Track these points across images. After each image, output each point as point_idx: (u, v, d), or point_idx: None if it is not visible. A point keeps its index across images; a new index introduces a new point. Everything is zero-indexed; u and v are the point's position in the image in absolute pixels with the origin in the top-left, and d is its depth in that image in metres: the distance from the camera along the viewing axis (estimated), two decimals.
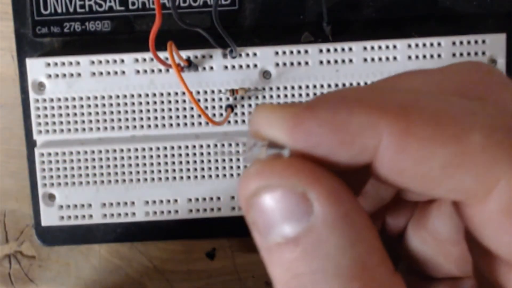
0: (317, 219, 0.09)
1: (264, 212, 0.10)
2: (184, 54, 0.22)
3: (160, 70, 0.22)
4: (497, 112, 0.10)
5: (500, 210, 0.10)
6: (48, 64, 0.22)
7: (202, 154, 0.23)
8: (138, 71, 0.22)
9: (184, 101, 0.23)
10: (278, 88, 0.22)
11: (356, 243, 0.09)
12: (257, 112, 0.11)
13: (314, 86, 0.22)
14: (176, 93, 0.23)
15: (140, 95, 0.22)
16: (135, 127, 0.23)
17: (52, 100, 0.23)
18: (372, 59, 0.22)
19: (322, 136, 0.10)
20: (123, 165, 0.23)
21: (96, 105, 0.23)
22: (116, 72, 0.22)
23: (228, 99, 0.23)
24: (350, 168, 0.10)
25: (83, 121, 0.23)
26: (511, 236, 0.10)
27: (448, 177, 0.10)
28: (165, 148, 0.23)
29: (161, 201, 0.23)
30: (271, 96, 0.22)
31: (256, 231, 0.10)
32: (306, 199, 0.10)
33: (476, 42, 0.22)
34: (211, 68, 0.22)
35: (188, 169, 0.23)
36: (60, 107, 0.23)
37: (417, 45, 0.22)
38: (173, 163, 0.23)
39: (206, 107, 0.23)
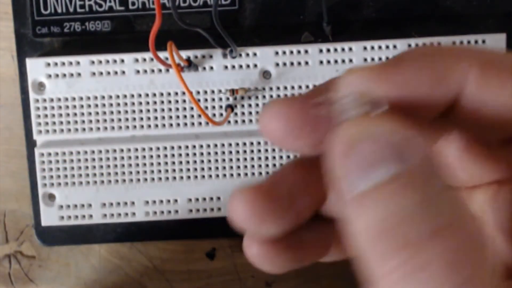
0: (415, 164, 0.10)
1: (361, 156, 0.10)
2: (184, 54, 0.22)
3: (160, 70, 0.22)
4: None
5: None
6: (48, 64, 0.22)
7: (202, 154, 0.23)
8: (138, 71, 0.22)
9: (184, 101, 0.23)
10: (278, 88, 0.22)
11: (447, 187, 0.10)
12: (349, 72, 0.11)
13: (314, 86, 0.22)
14: (176, 93, 0.23)
15: (140, 95, 0.22)
16: (135, 127, 0.23)
17: (52, 100, 0.23)
18: (372, 59, 0.22)
19: (415, 79, 0.11)
20: (123, 165, 0.23)
21: (96, 105, 0.23)
22: (116, 72, 0.22)
23: (228, 99, 0.23)
24: (438, 110, 0.11)
25: (83, 121, 0.23)
26: None
27: None
28: (165, 148, 0.23)
29: (161, 201, 0.23)
30: (271, 96, 0.22)
31: (346, 179, 0.10)
32: (403, 147, 0.10)
33: (476, 42, 0.22)
34: (211, 68, 0.22)
35: (188, 169, 0.23)
36: (60, 107, 0.23)
37: (417, 45, 0.22)
38: (173, 163, 0.23)
39: (206, 107, 0.23)
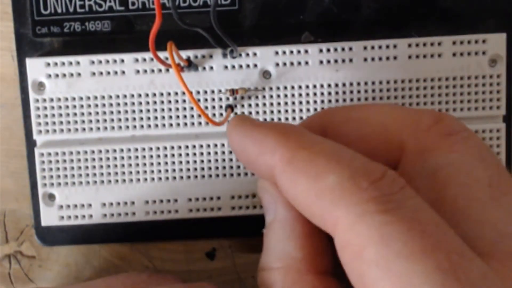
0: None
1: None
2: (184, 54, 0.22)
3: (160, 70, 0.22)
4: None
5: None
6: (48, 64, 0.22)
7: (202, 154, 0.23)
8: (138, 71, 0.22)
9: (184, 101, 0.23)
10: (278, 88, 0.22)
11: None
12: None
13: (314, 86, 0.22)
14: (176, 93, 0.23)
15: (140, 95, 0.22)
16: (135, 127, 0.23)
17: (52, 100, 0.23)
18: (372, 59, 0.22)
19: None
20: (123, 165, 0.23)
21: (96, 105, 0.23)
22: (116, 72, 0.22)
23: (228, 99, 0.23)
24: None
25: (83, 121, 0.23)
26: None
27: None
28: (165, 148, 0.23)
29: (161, 201, 0.23)
30: (271, 96, 0.22)
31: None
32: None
33: (476, 41, 0.22)
34: (211, 68, 0.22)
35: (188, 169, 0.23)
36: (60, 107, 0.23)
37: (417, 45, 0.22)
38: (173, 163, 0.23)
39: (206, 107, 0.23)
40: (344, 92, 0.22)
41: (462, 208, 0.13)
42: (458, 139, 0.14)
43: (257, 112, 0.23)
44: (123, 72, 0.22)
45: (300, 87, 0.22)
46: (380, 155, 0.14)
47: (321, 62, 0.22)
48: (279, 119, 0.22)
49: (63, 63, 0.22)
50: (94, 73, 0.22)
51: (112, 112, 0.23)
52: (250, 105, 0.23)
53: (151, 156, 0.23)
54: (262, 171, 0.14)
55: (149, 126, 0.23)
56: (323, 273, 0.14)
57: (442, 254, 0.11)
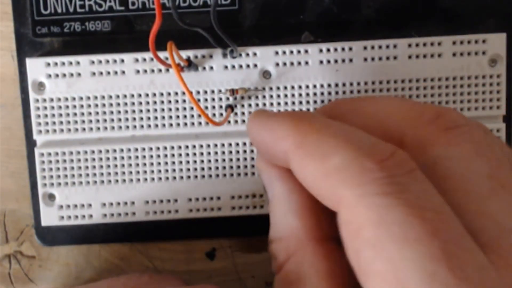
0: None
1: None
2: (184, 54, 0.22)
3: (160, 70, 0.22)
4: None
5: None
6: (48, 64, 0.22)
7: (202, 154, 0.23)
8: (138, 71, 0.22)
9: (184, 101, 0.23)
10: (278, 88, 0.22)
11: None
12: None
13: (314, 86, 0.22)
14: (176, 93, 0.23)
15: (140, 95, 0.22)
16: (135, 127, 0.23)
17: (52, 100, 0.23)
18: (372, 59, 0.22)
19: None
20: (123, 165, 0.23)
21: (96, 105, 0.23)
22: (116, 72, 0.22)
23: (228, 99, 0.23)
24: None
25: (83, 121, 0.23)
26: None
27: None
28: (165, 148, 0.23)
29: (161, 201, 0.23)
30: (271, 96, 0.22)
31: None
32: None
33: (476, 41, 0.22)
34: (211, 68, 0.22)
35: (188, 169, 0.23)
36: (60, 107, 0.23)
37: (417, 45, 0.22)
38: (173, 163, 0.23)
39: (206, 107, 0.23)
40: (344, 92, 0.22)
41: (461, 201, 0.13)
42: (458, 132, 0.14)
43: None
44: (123, 72, 0.22)
45: (300, 87, 0.22)
46: None
47: (321, 62, 0.22)
48: None
49: (63, 63, 0.22)
50: (94, 73, 0.22)
51: (112, 112, 0.23)
52: (250, 105, 0.23)
53: (151, 156, 0.23)
54: (278, 158, 0.14)
55: (149, 126, 0.23)
56: (325, 240, 0.14)
57: (438, 242, 0.11)
